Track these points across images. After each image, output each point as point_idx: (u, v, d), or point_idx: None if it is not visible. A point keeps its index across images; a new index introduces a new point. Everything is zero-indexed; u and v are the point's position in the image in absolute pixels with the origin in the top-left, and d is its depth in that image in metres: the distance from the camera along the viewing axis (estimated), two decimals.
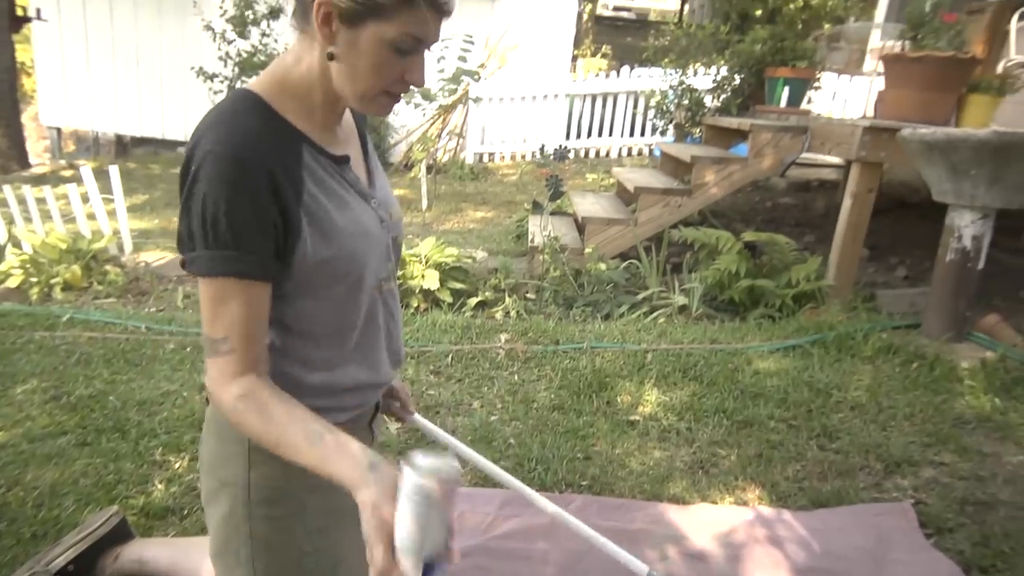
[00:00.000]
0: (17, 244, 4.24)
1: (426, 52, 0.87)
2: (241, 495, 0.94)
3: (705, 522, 2.05)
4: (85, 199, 4.43)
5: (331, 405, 0.96)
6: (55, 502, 2.01)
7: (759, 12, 11.90)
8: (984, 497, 2.12)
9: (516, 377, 2.89)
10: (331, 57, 0.84)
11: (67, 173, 8.16)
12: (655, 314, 3.65)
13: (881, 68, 3.83)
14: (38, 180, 7.53)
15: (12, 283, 3.96)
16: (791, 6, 11.63)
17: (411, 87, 0.88)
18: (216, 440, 0.98)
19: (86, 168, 4.50)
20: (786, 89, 4.82)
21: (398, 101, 0.89)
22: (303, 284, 0.89)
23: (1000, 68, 3.80)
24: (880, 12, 6.61)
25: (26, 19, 8.66)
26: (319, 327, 0.93)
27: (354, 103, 0.88)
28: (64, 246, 4.14)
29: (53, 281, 3.93)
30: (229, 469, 0.95)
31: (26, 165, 8.91)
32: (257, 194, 0.81)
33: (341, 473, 0.77)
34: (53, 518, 1.94)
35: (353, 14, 0.81)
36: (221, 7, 7.11)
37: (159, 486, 2.10)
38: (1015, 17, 3.87)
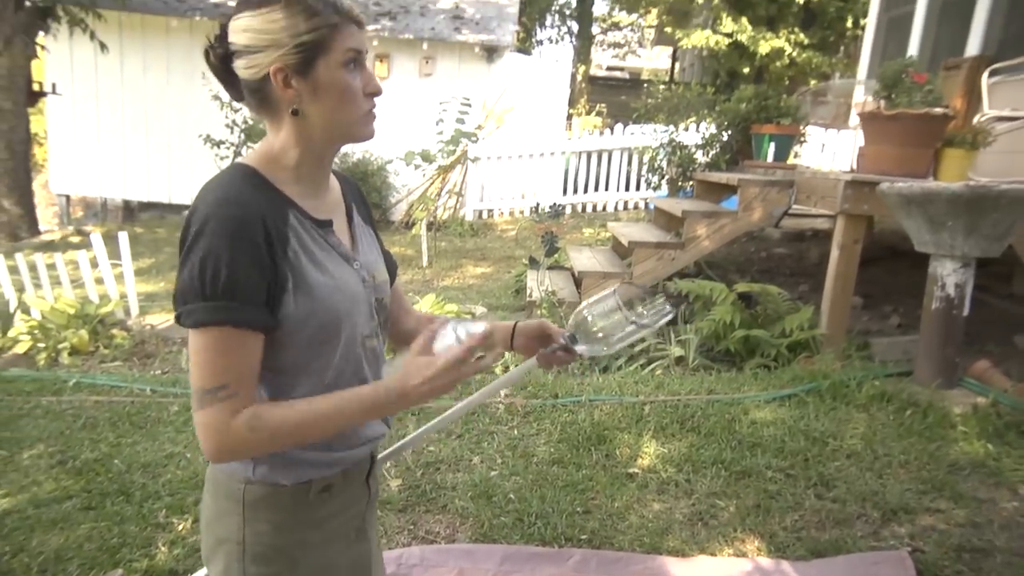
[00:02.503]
0: (26, 310, 4.34)
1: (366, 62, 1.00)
2: (236, 552, 0.99)
3: (705, 575, 2.06)
4: (93, 264, 4.55)
5: (319, 459, 1.01)
6: (60, 567, 2.03)
7: (746, 70, 12.38)
8: (981, 544, 2.13)
9: (516, 432, 2.93)
10: (295, 113, 0.95)
11: (75, 239, 8.34)
12: (652, 366, 3.70)
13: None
14: (47, 246, 7.70)
15: (20, 349, 4.03)
16: (777, 64, 12.10)
17: (375, 97, 0.99)
18: (212, 497, 1.03)
19: (96, 235, 4.64)
20: (772, 145, 5.00)
21: (375, 117, 1.01)
22: (290, 335, 0.95)
23: (975, 122, 3.96)
24: (862, 69, 6.89)
25: (42, 94, 9.00)
26: (303, 379, 0.98)
27: (352, 134, 0.99)
28: (72, 311, 4.23)
29: (60, 346, 4.01)
30: (225, 526, 1.00)
31: (36, 232, 9.11)
32: (255, 245, 0.89)
33: (381, 398, 0.95)
34: None
35: (304, 62, 0.92)
36: None
37: (163, 548, 2.12)
38: (985, 74, 4.06)
